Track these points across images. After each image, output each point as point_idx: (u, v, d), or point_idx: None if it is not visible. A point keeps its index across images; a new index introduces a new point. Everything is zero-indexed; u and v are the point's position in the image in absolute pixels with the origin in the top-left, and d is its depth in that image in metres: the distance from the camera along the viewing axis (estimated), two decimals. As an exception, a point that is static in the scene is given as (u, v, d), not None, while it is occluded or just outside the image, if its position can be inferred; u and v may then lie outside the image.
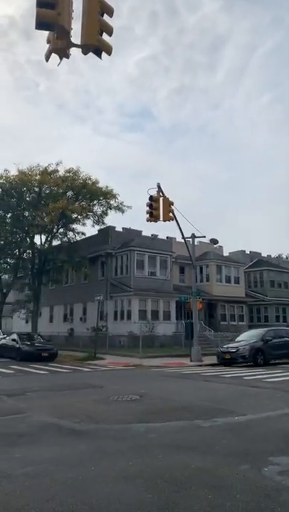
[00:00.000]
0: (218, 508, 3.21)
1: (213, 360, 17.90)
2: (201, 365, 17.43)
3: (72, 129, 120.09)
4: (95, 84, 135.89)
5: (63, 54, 4.82)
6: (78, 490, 3.59)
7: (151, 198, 16.56)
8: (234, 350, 16.75)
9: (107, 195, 27.80)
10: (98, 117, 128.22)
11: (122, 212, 28.07)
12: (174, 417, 6.63)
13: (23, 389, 10.07)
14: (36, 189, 27.52)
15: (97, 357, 19.92)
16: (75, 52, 4.85)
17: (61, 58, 4.87)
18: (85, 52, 4.81)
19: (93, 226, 29.20)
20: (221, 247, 38.12)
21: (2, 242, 27.84)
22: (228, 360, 16.84)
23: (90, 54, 4.88)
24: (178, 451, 4.77)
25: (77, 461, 4.40)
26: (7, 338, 22.77)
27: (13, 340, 21.06)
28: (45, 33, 4.94)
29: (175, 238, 31.22)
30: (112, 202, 28.02)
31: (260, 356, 16.66)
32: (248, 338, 18.06)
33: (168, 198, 16.93)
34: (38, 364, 17.35)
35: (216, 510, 3.18)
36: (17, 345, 20.07)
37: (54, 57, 4.91)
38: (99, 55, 4.92)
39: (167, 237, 32.21)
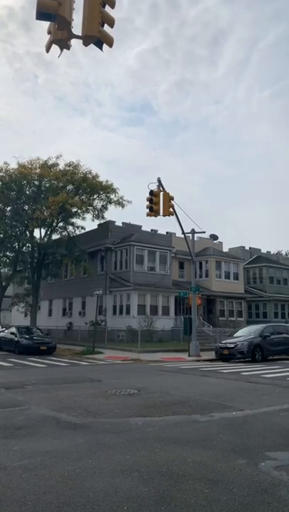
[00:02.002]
0: (215, 502, 3.21)
1: (212, 355, 17.95)
2: (199, 360, 17.48)
3: (72, 123, 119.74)
4: (95, 77, 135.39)
5: (64, 45, 4.78)
6: (75, 483, 3.60)
7: (151, 192, 16.50)
8: (232, 346, 16.78)
9: (107, 189, 27.71)
10: (98, 110, 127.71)
11: (122, 206, 28.02)
12: (172, 412, 6.65)
13: (21, 382, 10.11)
14: (36, 182, 27.42)
15: (96, 351, 19.97)
16: (74, 44, 4.81)
17: (62, 49, 4.83)
18: (86, 44, 4.76)
19: (93, 220, 29.16)
20: (220, 242, 38.13)
21: (1, 236, 27.76)
22: (226, 356, 16.87)
23: (90, 46, 4.83)
24: (175, 445, 4.78)
25: (74, 454, 4.41)
26: (6, 331, 22.82)
27: (12, 333, 21.10)
28: (45, 25, 4.90)
29: (175, 233, 31.20)
30: (112, 196, 27.96)
31: (258, 352, 16.69)
32: (246, 333, 18.07)
33: (168, 193, 16.88)
34: (36, 357, 17.40)
35: (212, 504, 3.19)
36: (16, 339, 20.11)
37: (55, 48, 4.86)
38: (100, 46, 4.87)
39: (167, 233, 32.18)
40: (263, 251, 44.11)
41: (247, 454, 4.42)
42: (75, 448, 4.66)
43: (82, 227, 29.34)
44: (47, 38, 4.88)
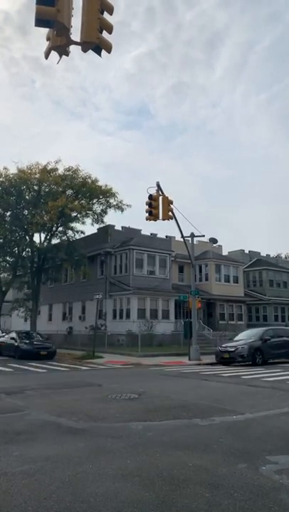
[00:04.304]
0: (215, 507, 3.21)
1: (212, 359, 17.92)
2: (199, 364, 17.44)
3: (70, 126, 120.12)
4: (92, 81, 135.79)
5: (63, 51, 4.80)
6: (76, 488, 3.59)
7: (150, 196, 16.55)
8: (233, 350, 16.77)
9: (107, 193, 27.76)
10: (95, 114, 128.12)
11: (122, 210, 28.05)
12: (172, 416, 6.63)
13: (21, 387, 10.08)
14: (36, 187, 27.47)
15: (96, 355, 19.92)
16: (71, 48, 4.83)
17: (61, 56, 4.86)
18: (84, 50, 4.79)
19: (92, 225, 29.17)
20: (220, 246, 38.13)
21: (1, 241, 27.77)
22: (226, 360, 16.85)
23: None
24: (176, 449, 4.77)
25: (75, 459, 4.40)
26: (6, 336, 22.78)
27: (12, 338, 21.08)
28: (42, 29, 4.90)
29: (174, 237, 31.21)
30: (111, 200, 27.99)
31: (258, 356, 16.68)
32: (246, 337, 18.07)
33: (167, 197, 16.92)
34: (36, 362, 17.35)
35: (213, 508, 3.19)
36: (16, 344, 20.08)
37: (53, 54, 4.89)
38: (98, 52, 4.90)
39: (166, 236, 32.18)
40: (263, 254, 44.13)
41: (248, 458, 4.41)
42: (75, 453, 4.65)
43: (82, 232, 29.36)
44: (46, 44, 4.91)
